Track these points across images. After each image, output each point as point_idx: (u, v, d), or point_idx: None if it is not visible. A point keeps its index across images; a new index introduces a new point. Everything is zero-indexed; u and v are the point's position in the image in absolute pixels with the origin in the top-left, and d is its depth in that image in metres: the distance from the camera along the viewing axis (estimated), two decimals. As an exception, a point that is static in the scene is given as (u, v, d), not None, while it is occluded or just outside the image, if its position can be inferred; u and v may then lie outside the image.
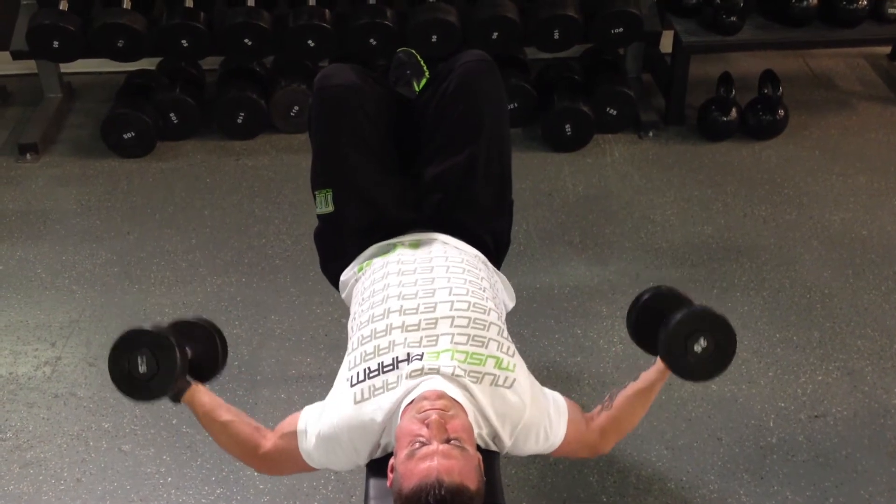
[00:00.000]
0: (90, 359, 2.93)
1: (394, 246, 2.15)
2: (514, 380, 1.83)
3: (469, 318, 1.88)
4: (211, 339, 2.02)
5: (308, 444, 1.84)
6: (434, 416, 1.66)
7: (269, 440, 1.90)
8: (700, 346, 1.87)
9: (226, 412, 1.93)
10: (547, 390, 1.93)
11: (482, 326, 1.89)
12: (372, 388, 1.80)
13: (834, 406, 2.76)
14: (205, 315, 2.06)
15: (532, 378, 1.90)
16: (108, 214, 3.58)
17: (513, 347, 1.91)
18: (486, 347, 1.85)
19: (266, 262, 3.34)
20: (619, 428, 1.98)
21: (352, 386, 1.83)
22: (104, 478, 2.56)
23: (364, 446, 1.81)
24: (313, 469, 1.88)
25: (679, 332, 1.88)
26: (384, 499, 1.80)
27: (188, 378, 1.93)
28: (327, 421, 1.82)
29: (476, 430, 1.77)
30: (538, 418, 1.84)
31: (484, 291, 1.99)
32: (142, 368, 1.83)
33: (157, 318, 2.11)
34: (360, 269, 2.14)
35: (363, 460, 1.84)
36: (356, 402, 1.80)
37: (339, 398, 1.83)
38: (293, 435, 1.86)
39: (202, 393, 1.93)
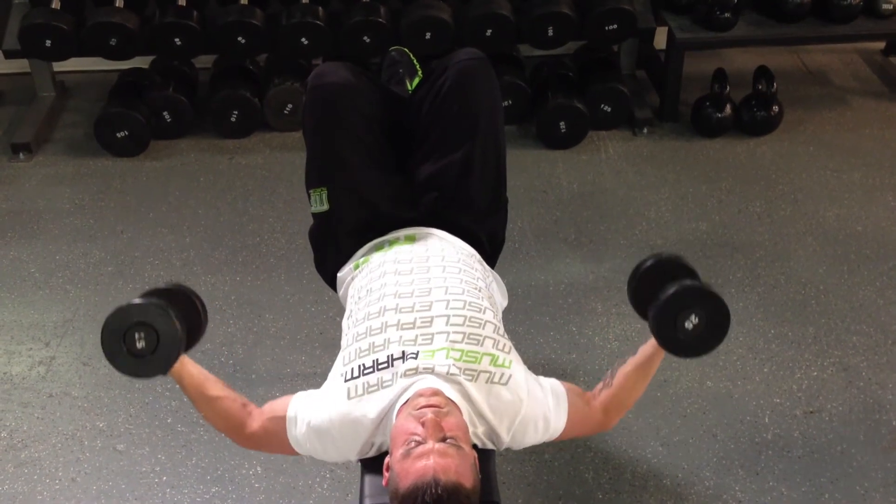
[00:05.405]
0: (84, 358, 2.92)
1: (390, 242, 2.15)
2: (510, 376, 1.82)
3: (465, 317, 1.88)
4: (190, 303, 1.93)
5: (297, 431, 1.84)
6: (429, 414, 1.66)
7: (255, 420, 1.89)
8: (691, 322, 1.80)
9: (213, 386, 1.91)
10: (544, 379, 1.93)
11: (478, 324, 1.88)
12: (366, 385, 1.80)
13: (829, 402, 2.76)
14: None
15: (528, 372, 1.90)
16: (101, 213, 3.57)
17: (509, 344, 1.91)
18: (482, 345, 1.85)
19: (260, 261, 3.33)
20: (622, 404, 1.96)
21: (346, 381, 1.82)
22: (99, 477, 2.55)
23: (353, 444, 1.80)
24: (296, 453, 1.88)
25: (669, 309, 1.81)
26: (380, 497, 1.80)
27: None
28: (320, 413, 1.81)
29: (471, 429, 1.77)
30: (536, 411, 1.84)
31: (479, 291, 1.99)
32: (140, 344, 1.74)
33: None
34: (357, 267, 2.14)
35: (352, 456, 1.84)
36: (350, 398, 1.80)
37: (333, 392, 1.83)
38: (282, 420, 1.86)
39: (189, 364, 1.88)
